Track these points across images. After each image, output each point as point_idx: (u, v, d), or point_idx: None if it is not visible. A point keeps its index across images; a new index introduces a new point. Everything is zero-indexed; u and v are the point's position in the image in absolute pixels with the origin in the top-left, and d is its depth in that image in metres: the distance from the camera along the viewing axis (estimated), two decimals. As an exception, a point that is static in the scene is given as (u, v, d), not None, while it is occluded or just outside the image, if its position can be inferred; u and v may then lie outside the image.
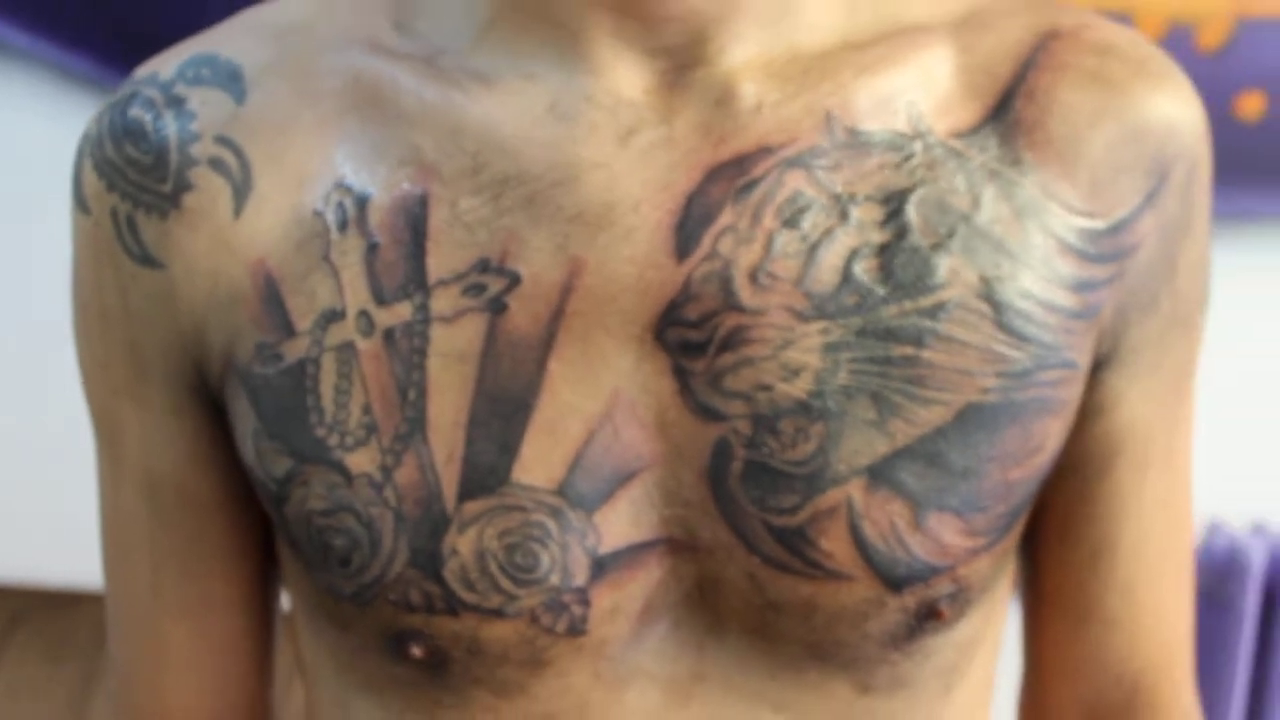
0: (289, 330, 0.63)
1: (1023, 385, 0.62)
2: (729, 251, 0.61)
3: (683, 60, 0.61)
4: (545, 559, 0.61)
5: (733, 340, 0.61)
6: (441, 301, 0.61)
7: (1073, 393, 0.64)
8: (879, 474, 0.61)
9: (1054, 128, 0.62)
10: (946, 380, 0.61)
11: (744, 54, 0.61)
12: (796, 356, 0.61)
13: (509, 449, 0.61)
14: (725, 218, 0.61)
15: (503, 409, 0.61)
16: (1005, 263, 0.61)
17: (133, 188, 0.64)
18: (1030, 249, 0.61)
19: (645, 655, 0.64)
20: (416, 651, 0.63)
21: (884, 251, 0.61)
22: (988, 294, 0.61)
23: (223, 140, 0.63)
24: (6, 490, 1.65)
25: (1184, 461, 0.70)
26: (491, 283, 0.61)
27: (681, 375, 0.61)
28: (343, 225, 0.62)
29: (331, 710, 0.69)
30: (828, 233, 0.61)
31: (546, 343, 0.61)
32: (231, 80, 0.63)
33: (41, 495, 1.65)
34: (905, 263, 0.61)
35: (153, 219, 0.64)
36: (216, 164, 0.63)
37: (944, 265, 0.61)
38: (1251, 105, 1.58)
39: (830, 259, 0.61)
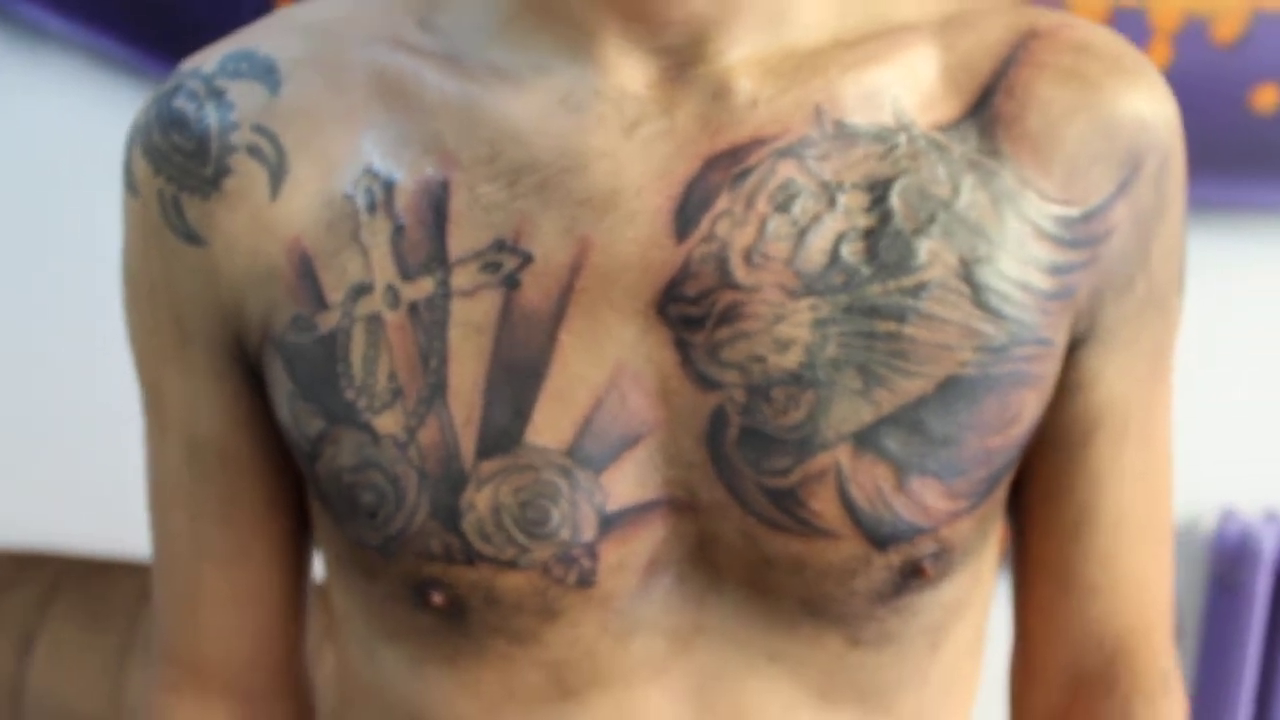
0: (322, 303, 0.67)
1: (999, 359, 0.65)
2: (725, 233, 0.64)
3: (684, 58, 0.65)
4: (556, 515, 0.65)
5: (729, 315, 0.64)
6: (461, 277, 0.65)
7: (1048, 368, 0.67)
8: (865, 440, 0.64)
9: (1031, 121, 0.65)
10: (928, 354, 0.64)
11: (741, 53, 0.65)
12: (788, 330, 0.64)
13: (522, 413, 0.65)
14: (722, 203, 0.64)
15: (517, 376, 0.65)
16: (983, 246, 0.65)
17: (178, 172, 0.68)
18: (1007, 234, 0.65)
19: (650, 607, 0.68)
20: (437, 599, 0.67)
21: (869, 235, 0.64)
22: (966, 275, 0.65)
23: (259, 129, 0.67)
24: (46, 460, 1.68)
25: (1162, 436, 0.74)
26: (507, 260, 0.65)
27: (682, 347, 0.65)
28: (371, 208, 0.66)
29: (361, 660, 0.73)
30: (817, 217, 0.65)
31: (557, 316, 0.65)
32: (267, 73, 0.67)
33: (80, 465, 1.68)
34: (889, 245, 0.64)
35: (196, 200, 0.68)
36: (254, 150, 0.67)
37: (925, 248, 0.64)
38: (1267, 97, 1.58)
39: (819, 241, 0.64)
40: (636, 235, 0.64)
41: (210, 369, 0.71)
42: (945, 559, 0.68)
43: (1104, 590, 0.74)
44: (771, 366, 0.64)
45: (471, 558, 0.66)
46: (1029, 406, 0.67)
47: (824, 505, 0.65)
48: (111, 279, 1.65)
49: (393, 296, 0.66)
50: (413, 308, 0.65)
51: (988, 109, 0.66)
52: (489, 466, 0.65)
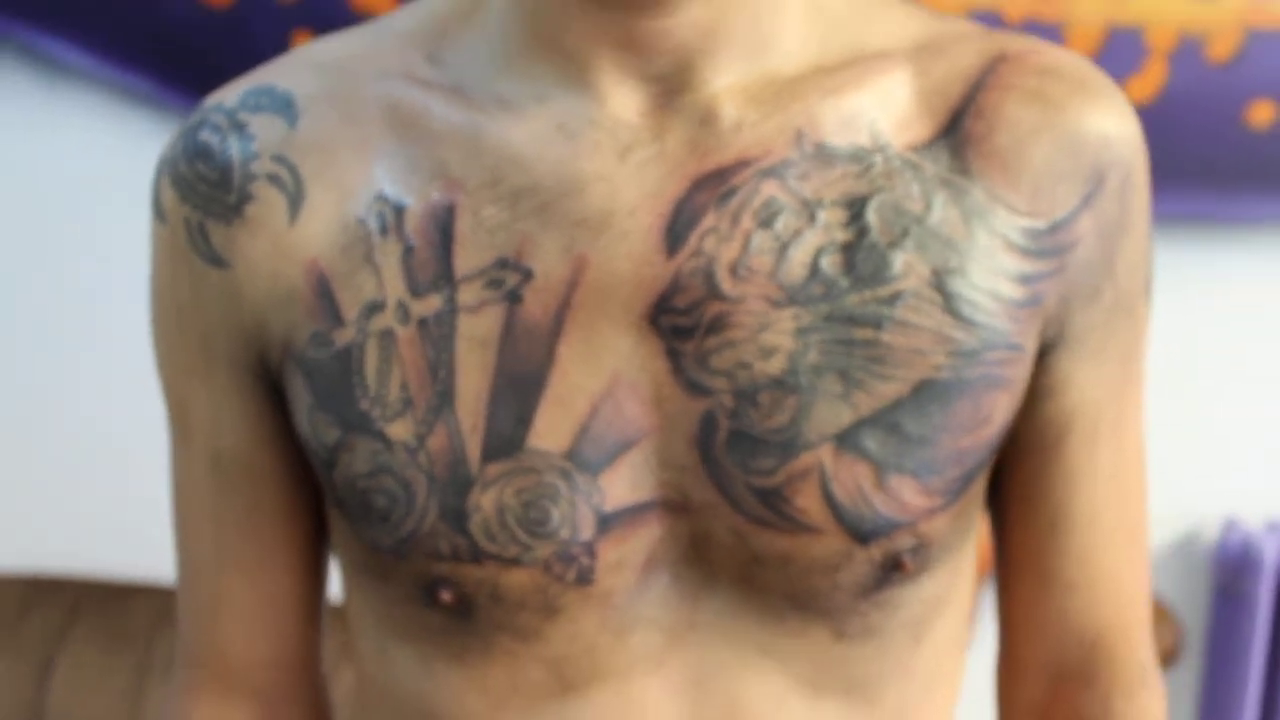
0: (338, 320, 0.69)
1: (971, 364, 0.68)
2: (712, 249, 0.67)
3: (672, 86, 0.67)
4: (556, 515, 0.67)
5: (716, 325, 0.67)
6: (467, 294, 0.67)
7: (1018, 372, 0.70)
8: (845, 440, 0.67)
9: (999, 141, 0.68)
10: (903, 359, 0.67)
11: (725, 80, 0.67)
12: (772, 339, 0.67)
13: (524, 420, 0.67)
14: (709, 220, 0.67)
15: (519, 385, 0.67)
16: (954, 258, 0.67)
17: (203, 200, 0.71)
18: (977, 246, 0.68)
19: (647, 604, 0.70)
20: (446, 596, 0.69)
21: (847, 249, 0.67)
22: (939, 284, 0.67)
23: (279, 159, 0.70)
24: (66, 485, 1.70)
25: (1133, 437, 0.76)
26: (509, 278, 0.67)
27: (673, 356, 0.67)
28: (383, 230, 0.68)
29: (375, 661, 0.76)
30: (798, 233, 0.67)
31: (556, 329, 0.67)
32: (285, 107, 0.70)
33: (100, 490, 1.70)
34: (865, 258, 0.67)
35: (220, 226, 0.71)
36: (274, 179, 0.70)
37: (900, 260, 0.67)
38: (1262, 114, 1.59)
39: (800, 255, 0.67)
40: (630, 252, 0.67)
41: (234, 385, 0.73)
42: (923, 553, 0.70)
43: (1081, 586, 0.76)
44: (757, 373, 0.66)
45: (478, 556, 0.68)
46: (1000, 408, 0.70)
47: (808, 502, 0.67)
48: (131, 307, 1.67)
49: (403, 313, 0.68)
50: (422, 323, 0.68)
51: (958, 130, 0.69)
52: (494, 470, 0.67)
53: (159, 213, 0.73)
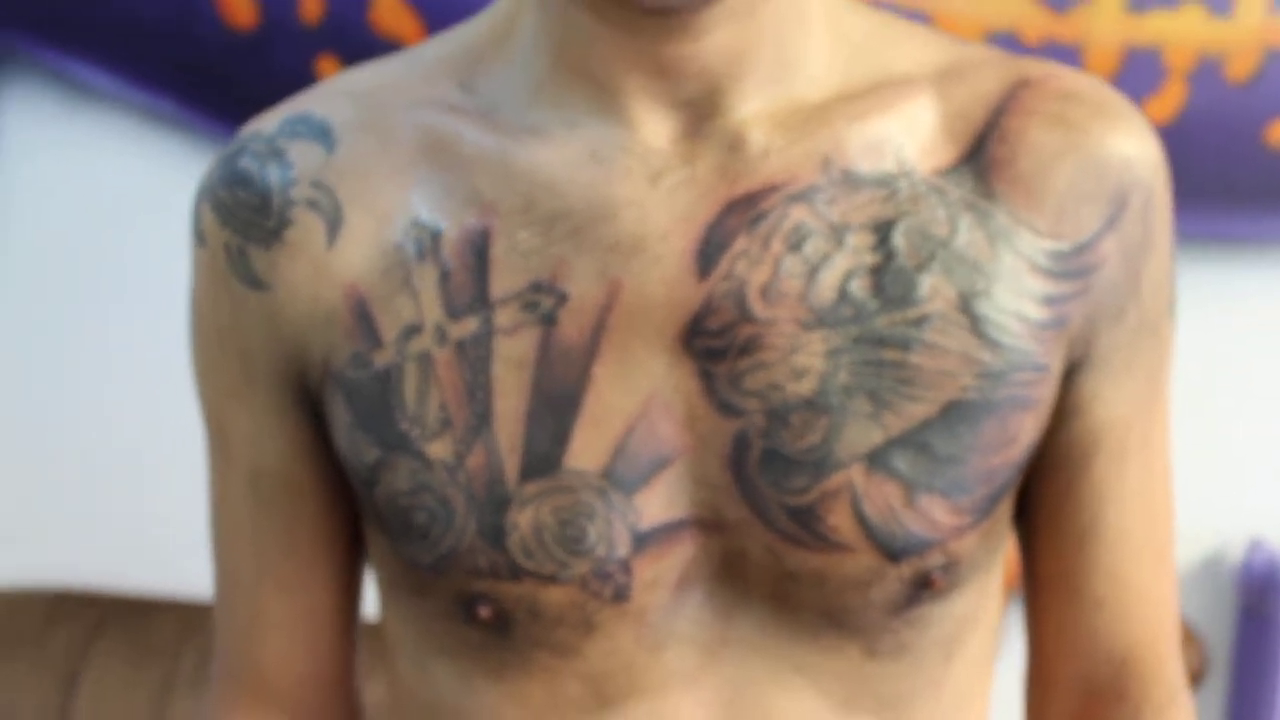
0: (377, 342, 0.69)
1: (998, 385, 0.69)
2: (743, 272, 0.67)
3: (701, 112, 0.68)
4: (592, 532, 0.68)
5: (748, 347, 0.67)
6: (503, 316, 0.68)
7: (1045, 392, 0.71)
8: (876, 460, 0.67)
9: (1022, 165, 0.69)
10: (931, 380, 0.68)
11: (752, 106, 0.68)
12: (803, 360, 0.67)
13: (561, 439, 0.68)
14: (740, 244, 0.68)
15: (555, 406, 0.68)
16: (980, 280, 0.68)
17: (243, 224, 0.72)
18: (1002, 268, 0.68)
19: (682, 621, 0.70)
20: (484, 613, 0.69)
21: (875, 272, 0.68)
22: (965, 307, 0.68)
23: (317, 184, 0.71)
24: (92, 500, 1.70)
25: (1161, 455, 0.77)
26: (544, 300, 0.68)
27: (706, 377, 0.68)
28: (420, 255, 0.69)
29: (414, 677, 0.76)
30: (827, 256, 0.68)
31: (591, 351, 0.68)
32: (323, 135, 0.71)
33: (126, 505, 1.70)
34: (893, 281, 0.68)
35: (260, 250, 0.72)
36: (313, 204, 0.71)
37: (927, 283, 0.68)
38: None
39: (829, 278, 0.68)
40: (663, 275, 0.68)
41: (274, 405, 0.74)
42: (953, 571, 0.71)
43: (1110, 603, 0.76)
44: (789, 394, 0.67)
45: (516, 573, 0.69)
46: (1027, 428, 0.71)
47: (840, 521, 0.68)
48: (156, 326, 1.67)
49: (441, 335, 0.69)
50: (459, 345, 0.68)
51: (982, 154, 0.69)
52: (531, 489, 0.68)
53: (199, 237, 0.74)
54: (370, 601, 1.67)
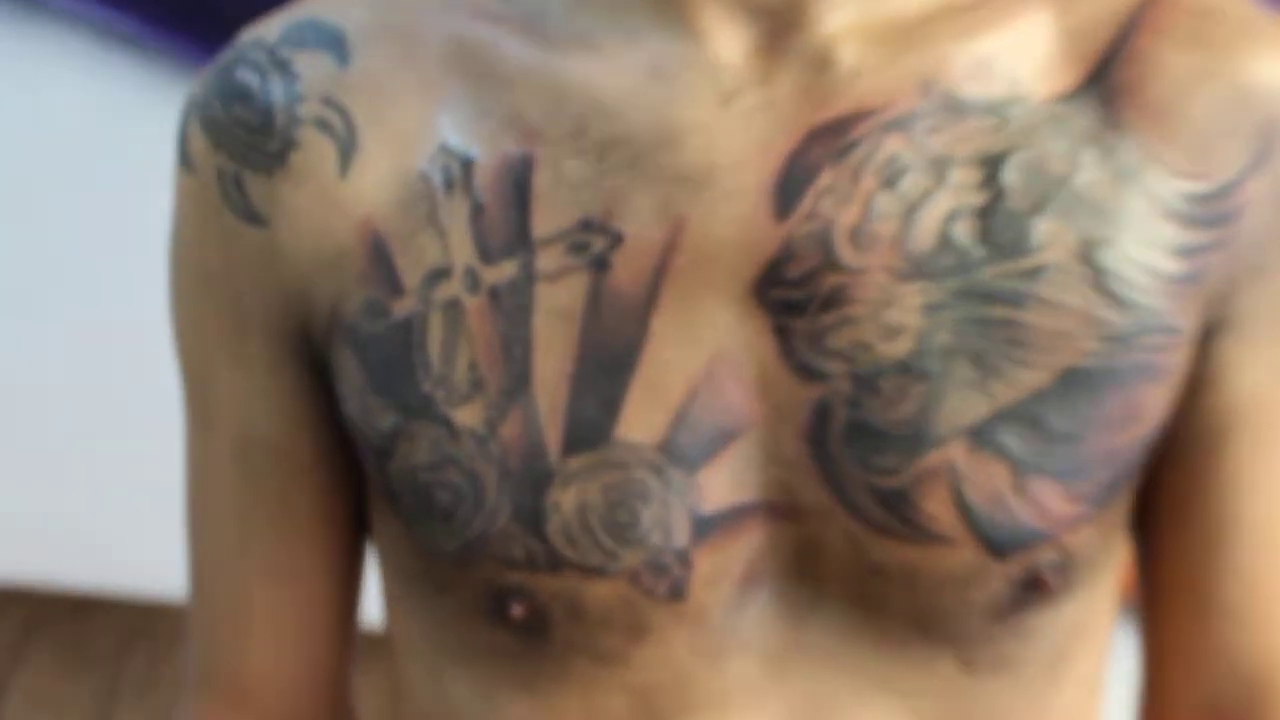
0: (397, 288, 0.67)
1: (1124, 350, 0.65)
2: (829, 211, 0.64)
3: (782, 24, 0.65)
4: (646, 516, 0.65)
5: (833, 299, 0.64)
6: (546, 260, 0.66)
7: (1176, 359, 0.67)
8: (980, 436, 0.64)
9: (1155, 91, 0.65)
10: (1046, 343, 0.64)
11: (842, 19, 0.65)
12: (897, 316, 0.64)
13: (612, 405, 0.65)
14: (825, 178, 0.65)
15: (606, 366, 0.65)
16: (1105, 226, 0.65)
17: (240, 147, 0.69)
18: (1130, 213, 0.65)
19: (745, 625, 0.67)
20: (517, 610, 0.66)
21: (982, 214, 0.65)
22: (1087, 257, 0.65)
23: (328, 101, 0.68)
24: (20, 488, 1.67)
25: None
26: (595, 241, 0.65)
27: (783, 334, 0.65)
28: (449, 186, 0.66)
29: (424, 689, 0.72)
30: (926, 194, 0.65)
31: (649, 301, 0.65)
32: (335, 43, 0.68)
33: (62, 490, 1.68)
34: (1003, 225, 0.64)
35: (259, 177, 0.68)
36: (322, 124, 0.68)
37: (1042, 228, 0.64)
38: None
39: (929, 220, 0.65)
40: (734, 213, 0.65)
41: (268, 360, 0.71)
42: (1067, 570, 0.67)
43: (1245, 613, 0.71)
44: (879, 355, 0.64)
45: (556, 564, 0.66)
46: (1155, 402, 0.67)
47: (937, 507, 0.65)
48: (104, 284, 1.64)
49: (472, 281, 0.66)
50: (494, 293, 0.66)
51: (1108, 78, 0.66)
52: (576, 463, 0.65)
53: (186, 161, 0.71)
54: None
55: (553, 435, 0.66)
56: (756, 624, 0.67)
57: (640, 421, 0.65)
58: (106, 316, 1.66)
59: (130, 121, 1.61)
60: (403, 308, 0.67)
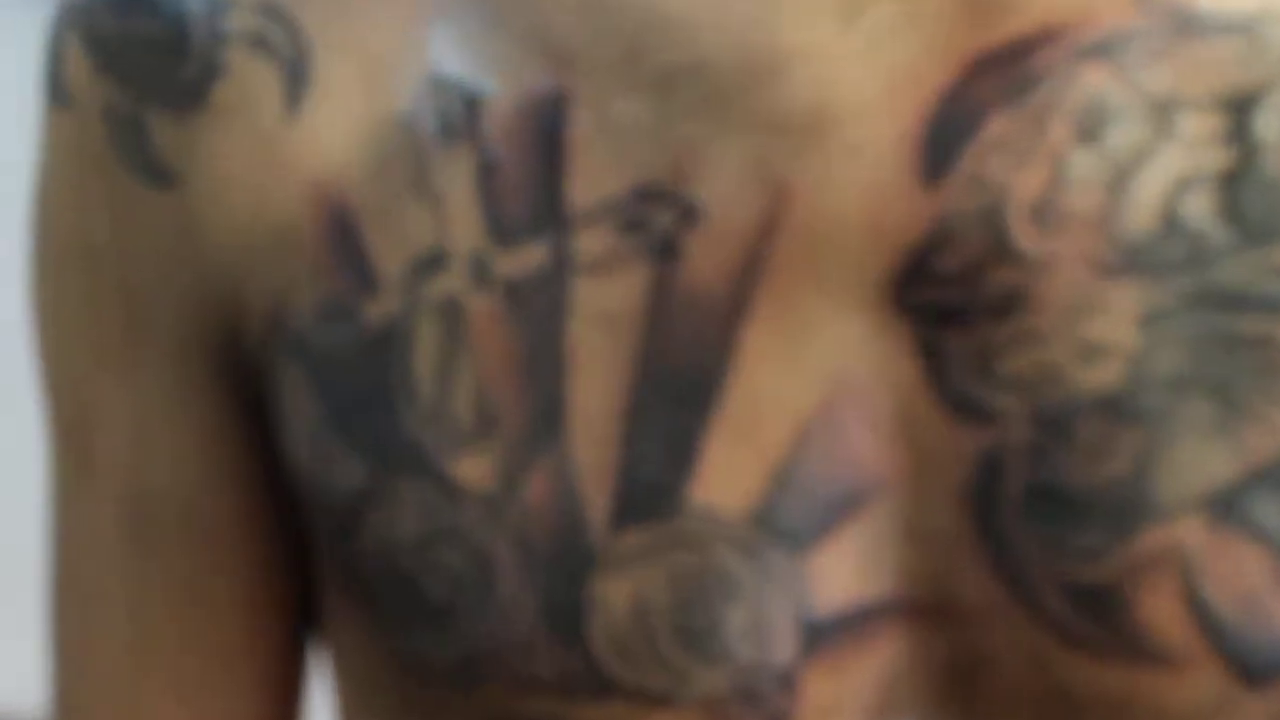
0: (369, 281, 0.61)
1: None
2: (1001, 176, 0.58)
3: None
4: (734, 621, 0.58)
5: (1007, 304, 0.58)
6: (587, 242, 0.59)
7: None
8: (1226, 507, 0.58)
9: None
10: None
11: None
12: (1101, 330, 0.58)
13: (684, 456, 0.58)
14: (995, 128, 0.58)
15: (676, 398, 0.59)
16: None
17: (140, 73, 0.62)
18: None
19: None
20: None
21: (1227, 182, 0.58)
22: None
23: (267, 9, 0.61)
24: None
25: None
26: (658, 216, 0.58)
27: (932, 355, 0.58)
28: (447, 135, 0.60)
29: None
30: (1144, 153, 0.58)
31: (737, 304, 0.59)
32: None
33: None
34: (1257, 197, 0.58)
35: (167, 118, 0.62)
36: (259, 42, 0.61)
37: None
38: None
39: (1148, 191, 0.57)
40: (861, 178, 0.57)
41: (174, 381, 0.64)
42: None
43: None
44: (1075, 386, 0.57)
45: (601, 687, 0.59)
46: None
47: (1161, 611, 0.58)
48: None
49: (480, 272, 0.59)
50: (512, 290, 0.59)
51: None
52: (632, 541, 0.58)
53: (57, 92, 0.64)
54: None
55: (597, 499, 0.59)
56: None
57: (725, 480, 0.58)
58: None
59: None
60: (378, 310, 0.60)
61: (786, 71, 0.58)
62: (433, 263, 0.60)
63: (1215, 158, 0.58)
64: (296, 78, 0.61)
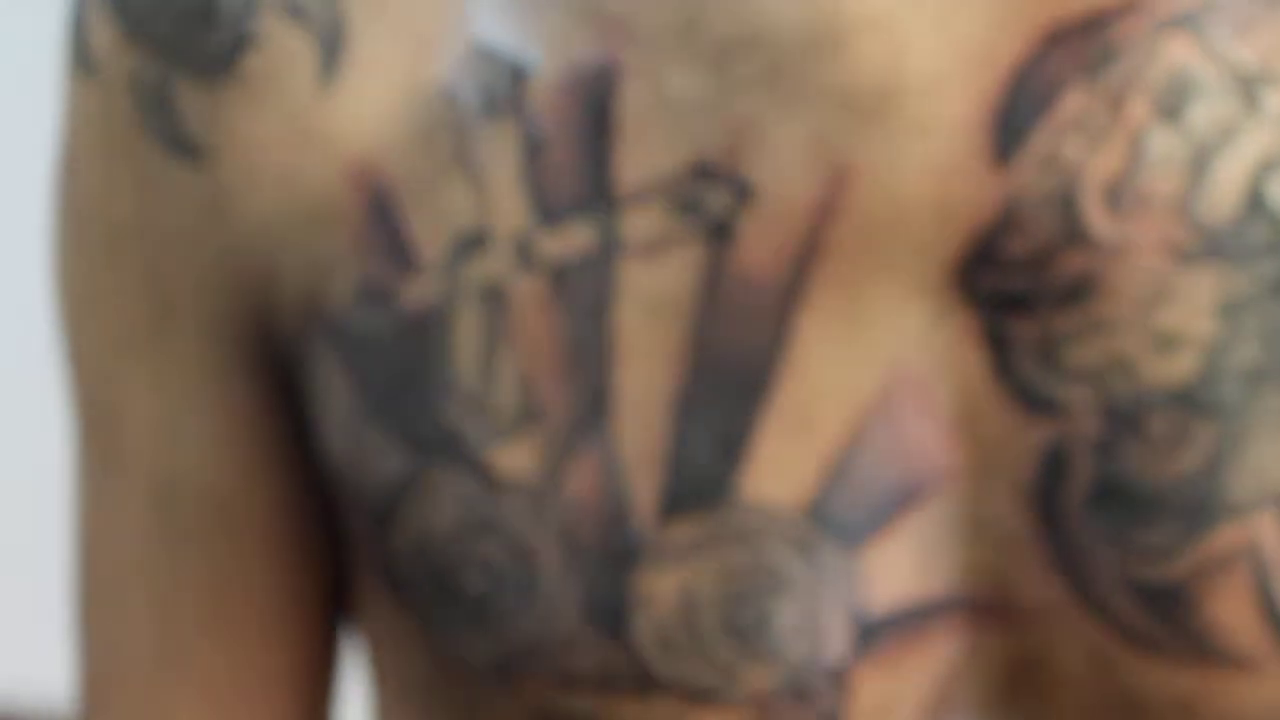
0: (408, 262, 0.61)
1: None
2: (1075, 156, 0.57)
3: None
4: (785, 617, 0.59)
5: (1078, 291, 0.58)
6: (637, 223, 0.59)
7: None
8: None
9: None
10: None
11: None
12: (1176, 319, 0.58)
13: (735, 447, 0.59)
14: (1070, 105, 0.58)
15: (727, 387, 0.59)
16: None
17: (169, 42, 0.62)
18: None
19: None
20: None
21: None
22: None
23: None
24: None
25: None
26: (712, 196, 0.59)
27: (997, 343, 0.58)
28: (490, 110, 0.60)
29: None
30: (1228, 131, 0.58)
31: (793, 289, 0.59)
32: None
33: None
34: None
35: (196, 89, 0.62)
36: (293, 9, 0.61)
37: None
38: None
39: (1231, 172, 0.57)
40: (927, 157, 0.57)
41: (204, 366, 0.64)
42: None
43: None
44: (1147, 378, 0.57)
45: (646, 683, 0.59)
46: None
47: (1232, 611, 0.58)
48: None
49: (525, 254, 0.59)
50: (557, 272, 0.59)
51: None
52: (681, 534, 0.59)
53: (83, 60, 0.64)
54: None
55: (644, 492, 0.59)
56: None
57: (779, 472, 0.59)
58: None
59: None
60: (417, 293, 0.61)
61: (851, 44, 0.57)
62: (474, 243, 0.60)
63: None
64: (332, 47, 0.61)
